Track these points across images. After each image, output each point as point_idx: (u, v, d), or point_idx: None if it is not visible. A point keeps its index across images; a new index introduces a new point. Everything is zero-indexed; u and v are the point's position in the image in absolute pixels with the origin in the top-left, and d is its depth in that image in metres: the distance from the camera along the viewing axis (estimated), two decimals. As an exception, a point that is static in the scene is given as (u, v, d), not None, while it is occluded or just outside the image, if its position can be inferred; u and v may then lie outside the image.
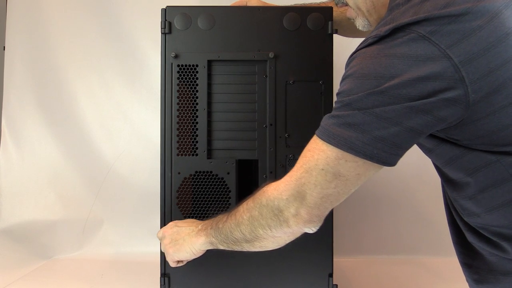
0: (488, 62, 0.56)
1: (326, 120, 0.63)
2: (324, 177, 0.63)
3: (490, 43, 0.56)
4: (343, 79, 0.64)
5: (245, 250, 0.77)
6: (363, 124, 0.59)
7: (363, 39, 0.96)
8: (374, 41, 0.61)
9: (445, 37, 0.56)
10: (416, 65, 0.56)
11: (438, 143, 0.66)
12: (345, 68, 0.65)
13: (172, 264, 0.87)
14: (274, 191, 0.68)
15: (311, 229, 0.68)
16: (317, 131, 0.64)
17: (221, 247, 0.80)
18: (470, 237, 0.72)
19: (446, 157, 0.66)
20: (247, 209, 0.73)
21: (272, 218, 0.68)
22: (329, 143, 0.61)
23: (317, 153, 0.63)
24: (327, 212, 0.67)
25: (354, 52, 0.64)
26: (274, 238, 0.71)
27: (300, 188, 0.65)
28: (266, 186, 0.72)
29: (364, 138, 0.59)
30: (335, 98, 0.98)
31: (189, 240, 0.83)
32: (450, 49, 0.56)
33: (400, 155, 0.61)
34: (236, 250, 0.78)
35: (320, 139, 0.63)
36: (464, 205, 0.69)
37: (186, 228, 0.85)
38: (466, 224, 0.72)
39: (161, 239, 0.89)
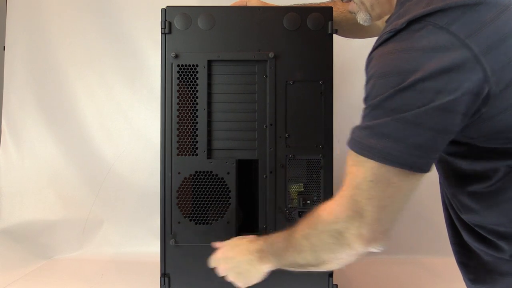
0: (505, 52, 0.55)
1: (358, 132, 0.61)
2: (376, 188, 0.60)
3: (505, 34, 0.55)
4: (366, 82, 0.62)
5: (312, 270, 0.73)
6: (396, 132, 0.57)
7: (362, 39, 0.96)
8: (390, 36, 0.60)
9: (463, 27, 0.55)
10: (437, 57, 0.55)
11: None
12: (366, 71, 0.64)
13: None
14: (330, 216, 0.65)
15: (377, 249, 0.64)
16: (351, 145, 0.62)
17: (290, 269, 0.76)
18: (466, 236, 0.72)
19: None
20: (303, 237, 0.69)
21: (334, 242, 0.64)
22: (366, 157, 0.59)
23: (360, 167, 0.61)
24: (390, 226, 0.63)
25: (371, 53, 0.63)
26: (339, 260, 0.67)
27: (355, 206, 0.61)
28: (318, 209, 0.68)
29: (400, 147, 0.57)
30: (335, 98, 0.99)
31: (255, 269, 0.80)
32: (469, 39, 0.54)
33: (435, 160, 0.59)
34: (303, 270, 0.74)
35: (356, 154, 0.61)
36: (462, 201, 0.69)
37: (243, 260, 0.81)
38: (463, 223, 0.72)
39: (223, 275, 0.84)
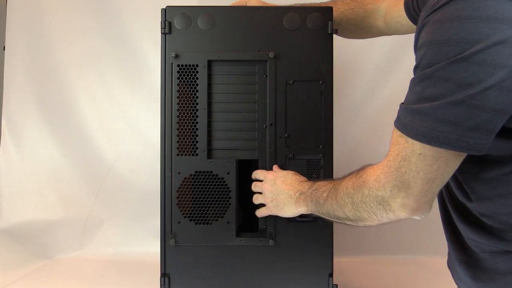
0: None
1: (410, 116, 0.60)
2: (424, 162, 0.60)
3: None
4: (419, 48, 0.60)
5: (347, 224, 0.78)
6: (454, 116, 0.55)
7: (362, 39, 0.95)
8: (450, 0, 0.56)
9: None
10: (502, 29, 0.52)
11: None
12: (417, 36, 0.61)
13: (259, 215, 0.95)
14: (376, 183, 0.67)
15: (420, 217, 0.66)
16: (405, 131, 0.61)
17: (321, 216, 0.82)
18: (467, 232, 0.72)
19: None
20: (347, 194, 0.72)
21: (377, 207, 0.68)
22: (422, 142, 0.59)
23: (409, 139, 0.60)
24: (435, 197, 0.65)
25: (426, 16, 0.59)
26: (378, 221, 0.71)
27: (402, 177, 0.63)
28: (364, 173, 0.71)
29: (457, 131, 0.56)
30: (335, 98, 0.99)
31: (290, 206, 0.88)
32: None
33: (491, 140, 0.57)
34: (336, 222, 0.80)
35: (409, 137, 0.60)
36: (475, 187, 0.68)
37: (285, 193, 0.88)
38: (466, 215, 0.72)
39: (262, 192, 0.93)
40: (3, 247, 1.48)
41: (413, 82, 0.60)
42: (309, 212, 0.85)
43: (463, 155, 0.61)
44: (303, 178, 0.91)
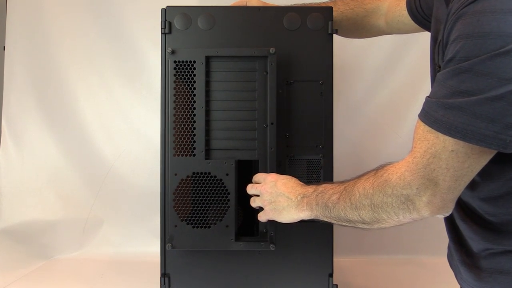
0: None
1: (442, 111, 0.57)
2: (456, 158, 0.58)
3: None
4: (453, 41, 0.57)
5: (358, 228, 0.74)
6: (492, 113, 0.53)
7: (362, 39, 0.94)
8: None
9: None
10: None
11: None
12: (450, 29, 0.59)
13: (261, 220, 0.90)
14: (400, 181, 0.64)
15: (444, 215, 0.65)
16: (436, 126, 0.58)
17: (326, 220, 0.78)
18: (470, 232, 0.71)
19: None
20: (365, 196, 0.69)
21: (400, 206, 0.64)
22: (456, 138, 0.56)
23: (440, 135, 0.58)
24: (459, 194, 0.63)
25: (461, 7, 0.57)
26: (398, 222, 0.68)
27: (431, 174, 0.60)
28: (385, 171, 0.67)
29: (495, 128, 0.54)
30: (335, 98, 0.99)
31: (289, 210, 0.82)
32: None
33: None
34: (344, 226, 0.75)
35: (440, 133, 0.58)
36: (486, 186, 0.67)
37: (285, 195, 0.84)
38: (468, 217, 0.71)
39: (260, 194, 0.88)
40: (3, 247, 1.48)
41: (446, 75, 0.57)
42: (313, 217, 0.80)
43: (494, 152, 0.59)
44: (302, 183, 0.87)
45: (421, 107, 0.62)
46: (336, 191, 0.75)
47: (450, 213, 0.65)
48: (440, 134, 0.58)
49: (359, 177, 0.73)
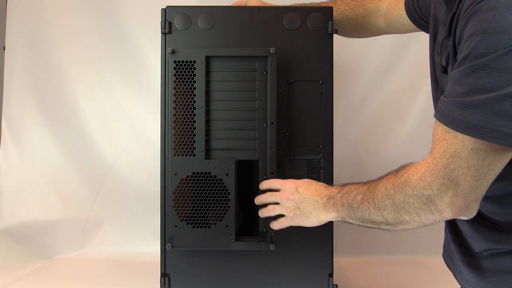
0: None
1: (460, 110, 0.56)
2: (476, 156, 0.57)
3: None
4: (468, 38, 0.56)
5: (382, 229, 0.74)
6: (510, 110, 0.52)
7: (362, 39, 0.94)
8: None
9: None
10: None
11: None
12: (463, 25, 0.58)
13: (276, 227, 0.89)
14: (420, 181, 0.63)
15: (468, 216, 0.64)
16: (454, 125, 0.57)
17: (351, 222, 0.77)
18: (472, 232, 0.71)
19: None
20: (387, 196, 0.68)
21: (422, 207, 0.64)
22: (475, 137, 0.55)
23: (458, 134, 0.57)
24: (483, 195, 0.61)
25: (475, 4, 0.56)
26: (420, 223, 0.67)
27: (451, 174, 0.59)
28: (405, 172, 0.67)
29: None
30: (335, 98, 0.99)
31: (316, 213, 0.81)
32: None
33: None
34: (370, 227, 0.75)
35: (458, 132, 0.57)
36: (492, 185, 0.66)
37: (310, 199, 0.82)
38: (474, 217, 0.71)
39: (281, 202, 0.87)
40: (3, 247, 1.48)
41: (462, 73, 0.56)
42: (339, 219, 0.79)
43: None
44: (325, 184, 0.86)
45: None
46: (360, 192, 0.74)
47: (474, 214, 0.63)
48: (458, 134, 0.57)
49: (382, 177, 0.72)
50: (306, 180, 0.87)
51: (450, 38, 0.64)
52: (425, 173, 0.63)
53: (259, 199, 0.91)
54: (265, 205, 0.91)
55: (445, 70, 0.66)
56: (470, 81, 0.55)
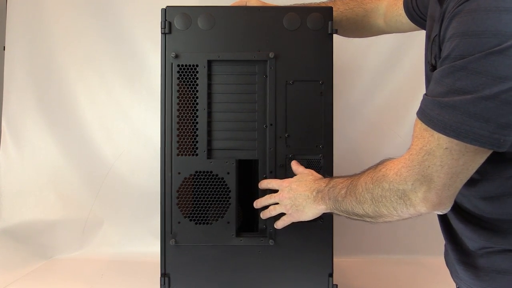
0: None
1: (438, 110, 0.57)
2: (450, 155, 0.59)
3: None
4: (448, 39, 0.57)
5: (366, 222, 0.76)
6: (487, 112, 0.53)
7: (362, 38, 0.94)
8: None
9: None
10: None
11: None
12: (446, 27, 0.59)
13: (280, 226, 0.92)
14: (396, 176, 0.65)
15: (441, 211, 0.66)
16: (431, 124, 0.59)
17: (339, 214, 0.80)
18: (466, 231, 0.71)
19: None
20: (366, 190, 0.71)
21: (397, 201, 0.66)
22: (450, 136, 0.57)
23: (434, 133, 0.59)
24: (457, 192, 0.63)
25: (457, 5, 0.57)
26: (398, 217, 0.69)
27: (425, 171, 0.61)
28: (383, 167, 0.69)
29: (489, 127, 0.54)
30: (335, 98, 0.99)
31: (310, 207, 0.85)
32: None
33: None
34: (355, 220, 0.78)
35: (434, 131, 0.58)
36: (484, 185, 0.67)
37: (302, 194, 0.86)
38: (463, 217, 0.71)
39: (280, 201, 0.91)
40: (3, 247, 1.48)
41: (441, 73, 0.58)
42: (328, 210, 0.83)
43: (490, 151, 0.59)
44: (318, 176, 0.89)
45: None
46: (344, 185, 0.77)
47: (448, 210, 0.65)
48: (435, 132, 0.59)
49: (363, 171, 0.75)
50: (298, 176, 0.91)
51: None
52: (401, 168, 0.65)
53: (258, 203, 0.95)
54: (265, 207, 0.94)
55: (434, 69, 0.67)
56: (449, 81, 0.57)
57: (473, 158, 0.59)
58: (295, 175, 0.94)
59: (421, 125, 0.61)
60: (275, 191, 0.93)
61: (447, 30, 0.59)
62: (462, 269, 0.74)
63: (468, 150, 0.58)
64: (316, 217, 0.87)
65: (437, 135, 0.59)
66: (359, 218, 0.76)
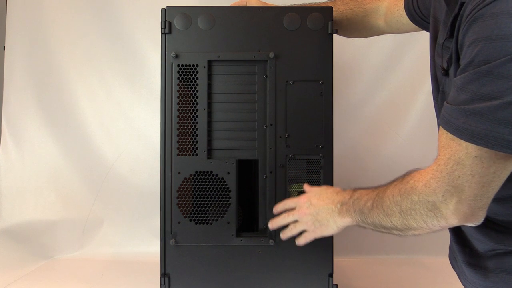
0: None
1: (464, 118, 0.56)
2: (481, 164, 0.57)
3: None
4: (470, 44, 0.56)
5: (394, 234, 0.74)
6: None
7: (362, 38, 0.93)
8: None
9: None
10: None
11: None
12: (465, 32, 0.58)
13: (302, 243, 0.88)
14: (426, 188, 0.63)
15: (474, 223, 0.63)
16: (458, 133, 0.57)
17: (366, 227, 0.77)
18: (475, 233, 0.71)
19: None
20: (394, 202, 0.68)
21: (428, 214, 0.64)
22: (479, 145, 0.55)
23: (462, 142, 0.57)
24: (489, 202, 0.61)
25: (476, 9, 0.55)
26: (428, 229, 0.67)
27: (455, 182, 0.59)
28: (411, 178, 0.67)
29: None
30: (335, 98, 0.99)
31: (333, 220, 0.82)
32: None
33: None
34: (383, 232, 0.75)
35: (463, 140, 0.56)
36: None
37: (325, 208, 0.83)
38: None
39: (299, 219, 0.87)
40: (3, 247, 1.48)
41: (464, 80, 0.56)
42: (354, 223, 0.79)
43: None
44: (337, 189, 0.86)
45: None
46: (370, 198, 0.74)
47: (481, 221, 0.63)
48: (462, 141, 0.57)
49: (390, 183, 0.72)
50: (316, 190, 0.88)
51: (450, 39, 0.64)
52: (430, 180, 0.62)
53: (274, 223, 0.91)
54: (284, 226, 0.91)
55: (446, 73, 0.66)
56: (473, 88, 0.55)
57: (504, 165, 0.57)
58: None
59: (447, 135, 0.59)
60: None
61: (466, 35, 0.57)
62: (470, 271, 0.73)
63: (499, 157, 0.56)
64: (340, 230, 0.83)
65: (465, 143, 0.57)
66: (386, 231, 0.73)
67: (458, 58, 0.61)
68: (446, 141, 0.60)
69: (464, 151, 0.57)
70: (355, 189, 0.81)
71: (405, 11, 0.96)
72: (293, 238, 0.98)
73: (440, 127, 0.61)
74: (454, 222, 0.62)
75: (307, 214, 0.85)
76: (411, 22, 0.97)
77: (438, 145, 0.62)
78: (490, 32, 0.53)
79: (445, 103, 0.61)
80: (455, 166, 0.59)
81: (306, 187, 0.92)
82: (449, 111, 0.59)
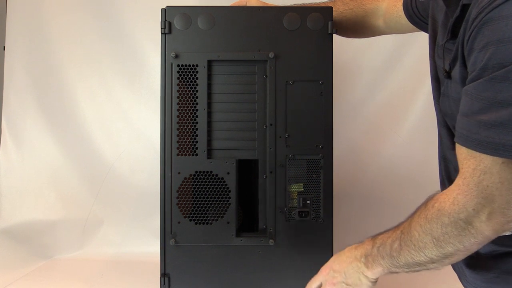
0: None
1: (485, 131, 0.54)
2: (508, 169, 0.55)
3: None
4: (481, 49, 0.54)
5: (431, 269, 0.70)
6: None
7: (362, 39, 0.92)
8: None
9: None
10: None
11: None
12: (471, 35, 0.56)
13: None
14: (454, 206, 0.60)
15: (511, 231, 0.61)
16: (477, 146, 0.55)
17: (399, 271, 0.73)
18: None
19: None
20: (424, 232, 0.64)
21: (462, 233, 0.60)
22: (504, 157, 0.53)
23: (488, 156, 0.55)
24: None
25: (485, 13, 0.54)
26: (467, 251, 0.63)
27: (485, 192, 0.57)
28: (435, 202, 0.64)
29: None
30: (335, 98, 0.99)
31: (363, 276, 0.76)
32: None
33: None
34: (418, 271, 0.71)
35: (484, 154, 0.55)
36: None
37: (350, 268, 0.76)
38: None
39: None
40: (3, 247, 1.48)
41: (479, 87, 0.54)
42: (386, 271, 0.74)
43: None
44: (354, 245, 0.79)
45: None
46: (395, 238, 0.70)
47: None
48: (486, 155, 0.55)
49: (412, 215, 0.68)
50: (332, 258, 0.82)
51: (452, 41, 0.63)
52: (457, 196, 0.60)
53: None
54: None
55: (448, 75, 0.65)
56: (489, 95, 0.53)
57: None
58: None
59: (467, 150, 0.57)
60: None
61: (475, 40, 0.56)
62: (471, 272, 0.73)
63: None
64: (374, 283, 0.77)
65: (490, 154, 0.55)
66: (421, 268, 0.69)
67: (463, 61, 0.60)
68: (467, 153, 0.58)
69: (490, 159, 0.55)
70: (374, 237, 0.75)
71: (404, 11, 0.96)
72: (293, 238, 0.98)
73: (457, 144, 0.59)
74: (491, 234, 0.59)
75: (336, 283, 0.78)
76: (410, 23, 0.97)
77: (458, 159, 0.60)
78: (502, 35, 0.52)
79: (458, 116, 0.59)
80: (482, 176, 0.56)
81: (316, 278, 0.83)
82: (467, 126, 0.56)
